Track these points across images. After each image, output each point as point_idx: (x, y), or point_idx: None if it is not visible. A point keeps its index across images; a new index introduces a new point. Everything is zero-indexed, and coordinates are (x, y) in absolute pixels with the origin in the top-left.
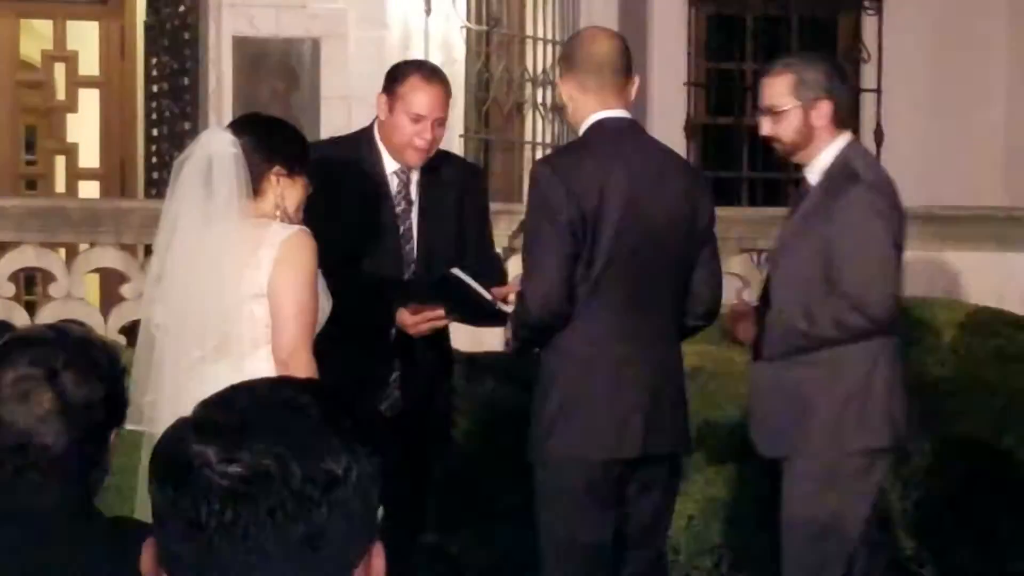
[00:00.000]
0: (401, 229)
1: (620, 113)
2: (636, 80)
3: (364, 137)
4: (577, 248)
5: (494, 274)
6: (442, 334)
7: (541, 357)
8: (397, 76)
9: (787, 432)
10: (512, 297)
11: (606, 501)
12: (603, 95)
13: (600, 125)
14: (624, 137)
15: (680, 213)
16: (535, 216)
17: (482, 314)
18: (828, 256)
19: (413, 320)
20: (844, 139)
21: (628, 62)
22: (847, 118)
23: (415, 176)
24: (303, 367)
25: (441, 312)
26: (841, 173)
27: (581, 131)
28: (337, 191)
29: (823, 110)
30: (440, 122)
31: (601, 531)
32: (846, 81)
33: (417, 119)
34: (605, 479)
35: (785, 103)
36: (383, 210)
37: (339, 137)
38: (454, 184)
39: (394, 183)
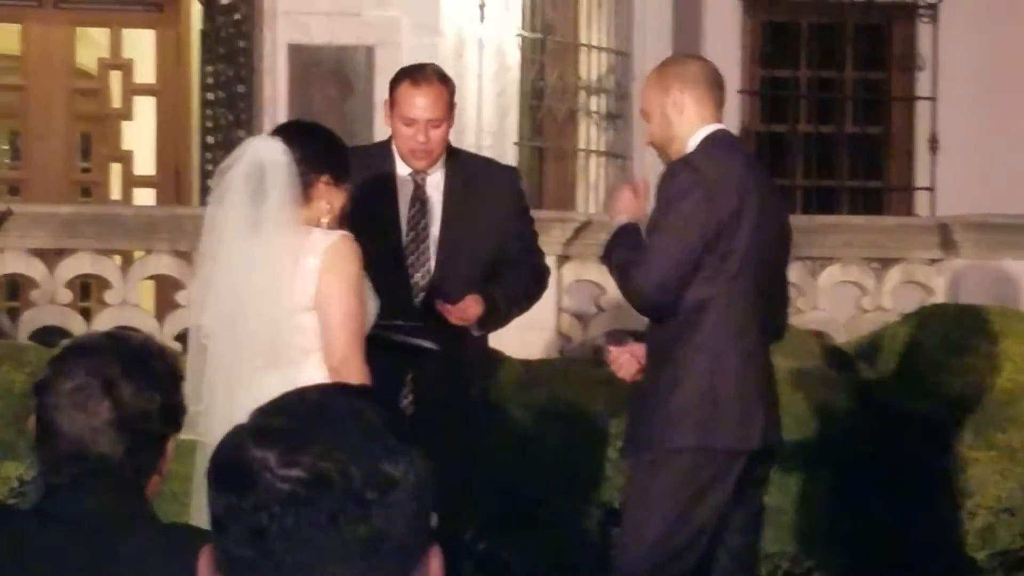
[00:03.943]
0: (415, 231)
1: (723, 127)
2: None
3: (383, 143)
4: (700, 251)
5: (526, 278)
6: (462, 343)
7: (667, 352)
8: (394, 81)
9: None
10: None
11: (727, 493)
12: (717, 111)
13: (715, 137)
14: (735, 145)
15: (783, 223)
16: (669, 207)
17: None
18: None
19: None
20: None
21: None
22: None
23: (436, 179)
24: (355, 373)
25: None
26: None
27: (690, 142)
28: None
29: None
30: (435, 124)
31: (701, 531)
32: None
33: (410, 123)
34: (731, 470)
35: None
36: (388, 212)
37: (358, 146)
38: (484, 188)
39: (408, 186)
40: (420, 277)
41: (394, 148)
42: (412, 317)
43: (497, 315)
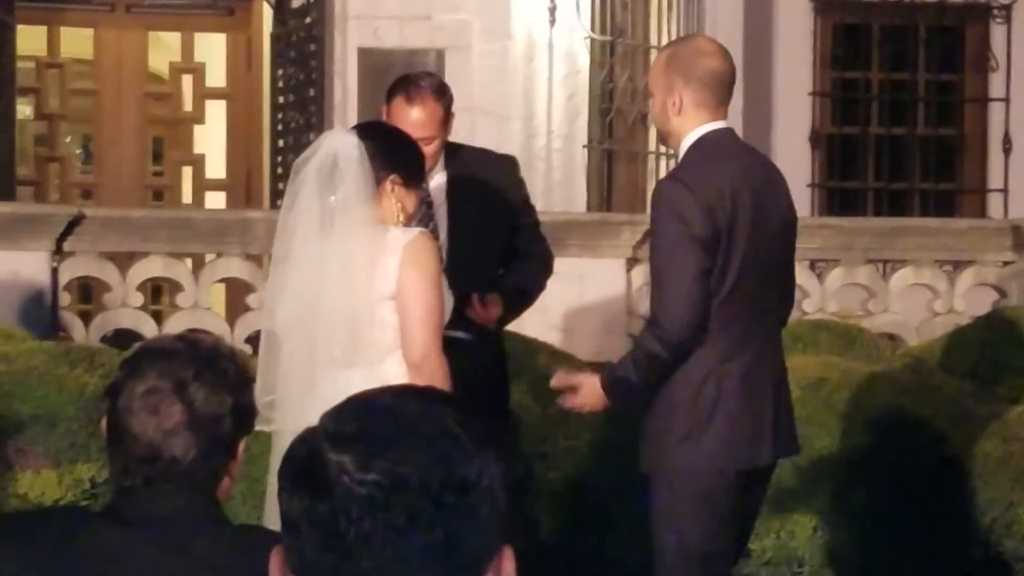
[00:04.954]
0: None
1: (722, 124)
2: None
3: None
4: (712, 264)
5: (536, 268)
6: (482, 337)
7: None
8: (390, 92)
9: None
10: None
11: (734, 510)
12: (717, 112)
13: (706, 139)
14: (731, 146)
15: (787, 219)
16: (669, 234)
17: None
18: None
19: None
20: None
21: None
22: None
23: (439, 180)
24: (436, 369)
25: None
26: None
27: (684, 143)
28: None
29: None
30: (427, 141)
31: (729, 539)
32: None
33: None
34: (736, 488)
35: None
36: None
37: None
38: (487, 182)
39: None
40: None
41: None
42: None
43: (515, 311)
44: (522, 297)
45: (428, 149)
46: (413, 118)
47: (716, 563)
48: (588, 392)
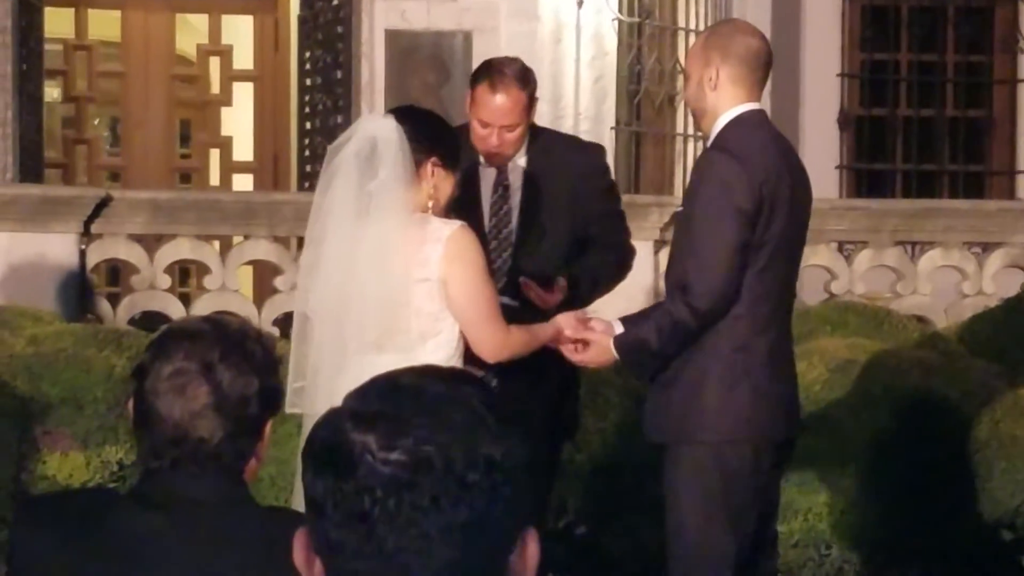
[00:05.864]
0: (497, 216)
1: (756, 106)
2: None
3: (465, 126)
4: (750, 238)
5: (609, 259)
6: (545, 320)
7: (698, 342)
8: (474, 78)
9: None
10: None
11: (758, 485)
12: (754, 91)
13: (745, 118)
14: (769, 127)
15: (810, 201)
16: (714, 204)
17: None
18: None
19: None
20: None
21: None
22: None
23: (518, 163)
24: (514, 348)
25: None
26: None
27: (719, 122)
28: None
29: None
30: (509, 128)
31: (749, 513)
32: None
33: (484, 125)
34: (761, 462)
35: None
36: (470, 198)
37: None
38: (567, 168)
39: (491, 170)
40: (502, 262)
41: None
42: None
43: (580, 299)
44: (592, 287)
45: (511, 136)
46: (497, 106)
47: (726, 545)
48: (598, 352)
